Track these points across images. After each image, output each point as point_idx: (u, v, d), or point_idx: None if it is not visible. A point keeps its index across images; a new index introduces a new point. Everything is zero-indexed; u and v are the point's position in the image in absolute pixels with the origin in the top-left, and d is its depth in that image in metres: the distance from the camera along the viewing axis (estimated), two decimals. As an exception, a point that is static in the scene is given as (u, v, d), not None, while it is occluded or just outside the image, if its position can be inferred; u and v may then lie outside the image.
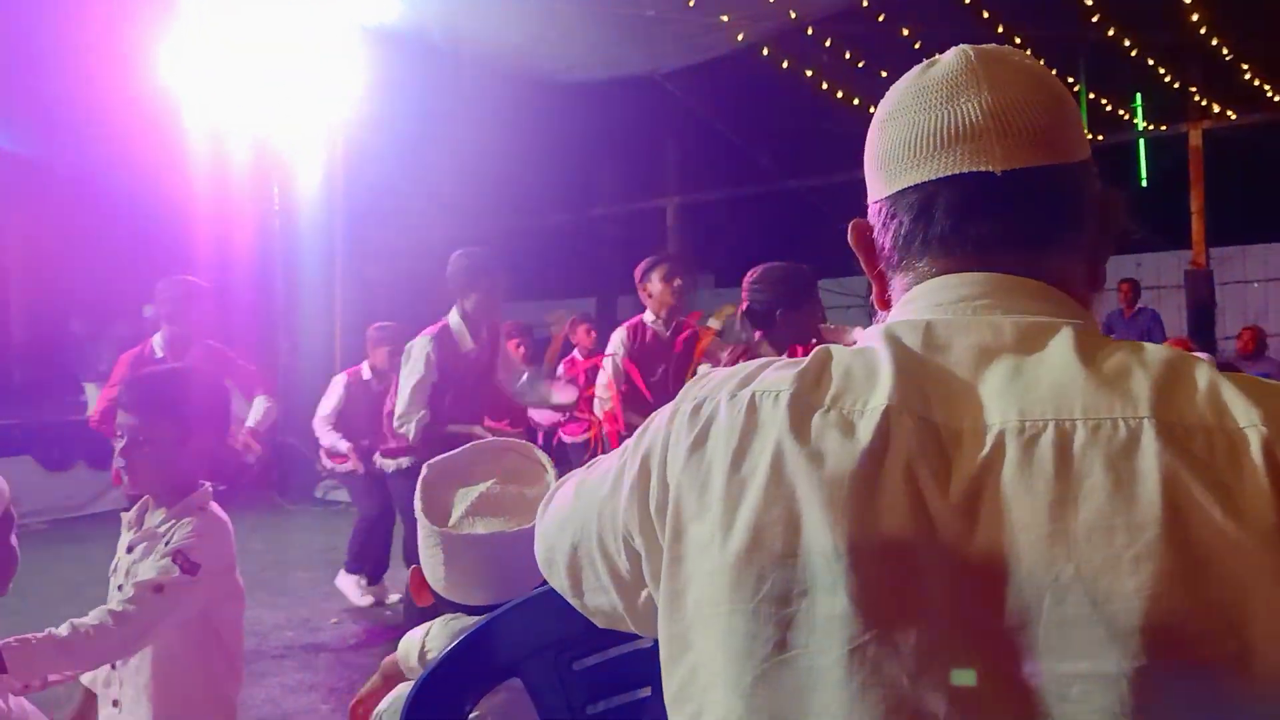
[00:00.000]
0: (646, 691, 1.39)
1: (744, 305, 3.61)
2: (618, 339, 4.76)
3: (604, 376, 4.68)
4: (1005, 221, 0.83)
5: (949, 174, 0.84)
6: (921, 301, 0.85)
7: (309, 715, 4.21)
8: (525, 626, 1.31)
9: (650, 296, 4.75)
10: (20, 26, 7.18)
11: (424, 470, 1.71)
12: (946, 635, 0.68)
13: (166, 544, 1.97)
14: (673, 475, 0.84)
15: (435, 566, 1.65)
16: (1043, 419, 0.71)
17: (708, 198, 14.61)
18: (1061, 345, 0.76)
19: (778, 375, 0.82)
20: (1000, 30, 9.13)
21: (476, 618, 1.61)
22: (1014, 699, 0.67)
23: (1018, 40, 9.63)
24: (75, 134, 8.91)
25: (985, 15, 8.90)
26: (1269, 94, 11.65)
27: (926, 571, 0.69)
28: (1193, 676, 0.65)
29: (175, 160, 8.35)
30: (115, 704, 2.03)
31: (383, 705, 1.63)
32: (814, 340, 3.45)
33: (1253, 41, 10.54)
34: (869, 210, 0.93)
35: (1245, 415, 0.69)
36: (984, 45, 0.90)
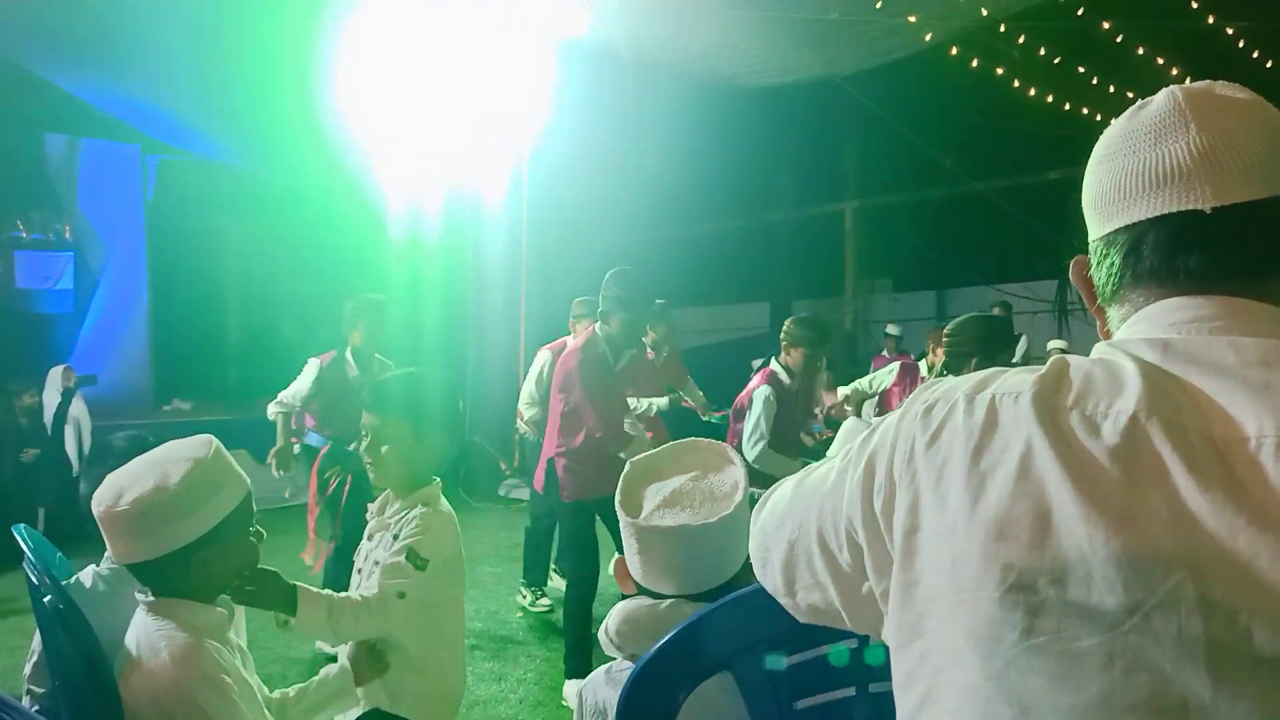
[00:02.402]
0: (850, 691, 1.42)
1: (942, 358, 3.95)
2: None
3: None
4: (1218, 255, 0.85)
5: (1157, 214, 0.87)
6: (1151, 322, 0.87)
7: (500, 704, 4.38)
8: (738, 622, 1.36)
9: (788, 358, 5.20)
10: (241, 46, 7.74)
11: (626, 466, 1.81)
12: (1210, 626, 0.70)
13: (395, 536, 2.15)
14: (901, 473, 0.87)
15: (632, 556, 1.75)
16: None
17: (887, 201, 14.33)
18: None
19: (1017, 379, 0.85)
20: (1210, 21, 8.60)
21: (659, 600, 1.70)
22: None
23: (1229, 31, 9.06)
24: (286, 149, 9.53)
25: (1194, 5, 8.40)
26: None
27: (1188, 564, 0.71)
28: None
29: (377, 171, 8.83)
30: None
31: (583, 683, 1.74)
32: None
33: None
34: (1089, 248, 0.96)
35: None
36: (1194, 85, 0.91)
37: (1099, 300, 0.96)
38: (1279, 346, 0.79)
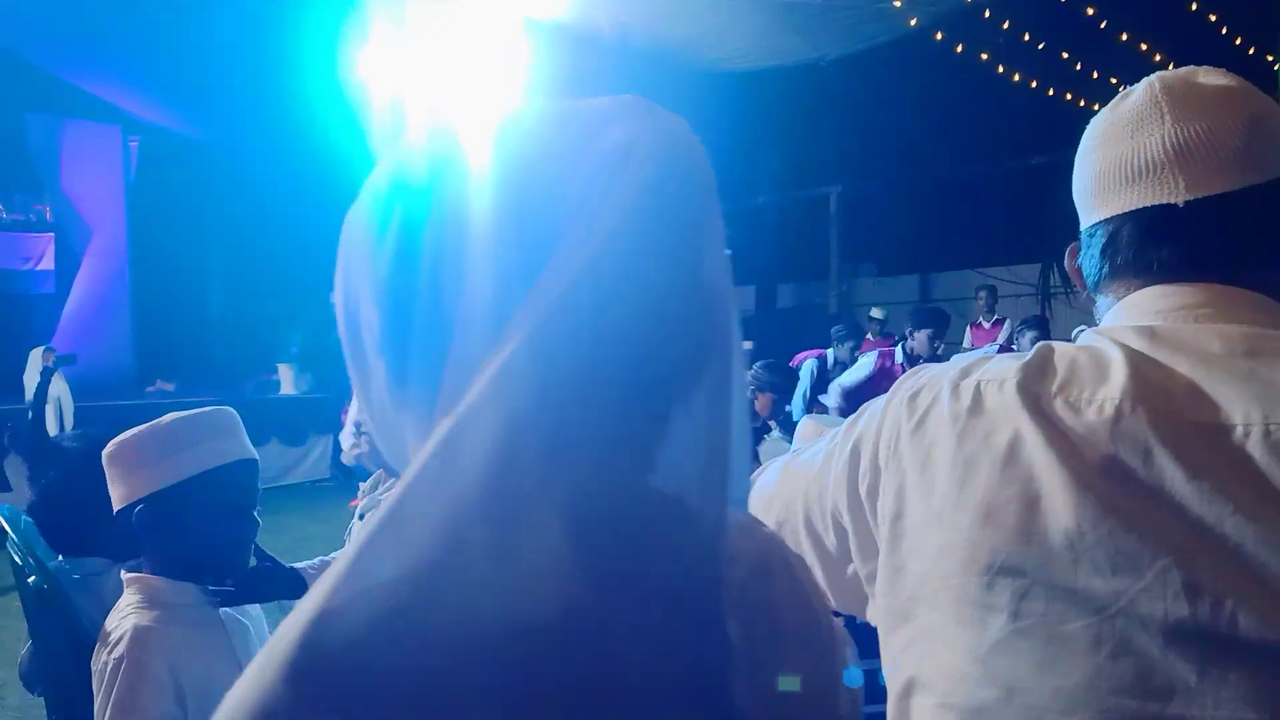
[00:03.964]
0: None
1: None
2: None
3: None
4: (1191, 246, 0.85)
5: (1133, 208, 0.87)
6: (1139, 309, 0.87)
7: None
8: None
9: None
10: (214, 24, 7.70)
11: None
12: (1196, 610, 0.71)
13: None
14: (886, 459, 0.88)
15: None
16: None
17: (872, 185, 14.35)
18: None
19: (1001, 366, 0.85)
20: (1194, 7, 8.64)
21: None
22: (1268, 674, 0.69)
23: (1212, 18, 9.10)
24: (268, 129, 9.49)
25: (1177, -8, 8.45)
26: None
27: (1175, 550, 0.72)
28: None
29: (360, 152, 8.81)
30: None
31: None
32: None
33: None
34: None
35: None
36: (1175, 71, 0.91)
37: (1087, 289, 0.97)
38: (1263, 334, 0.79)
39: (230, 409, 1.75)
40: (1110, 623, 0.73)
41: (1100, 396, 0.78)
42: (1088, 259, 0.94)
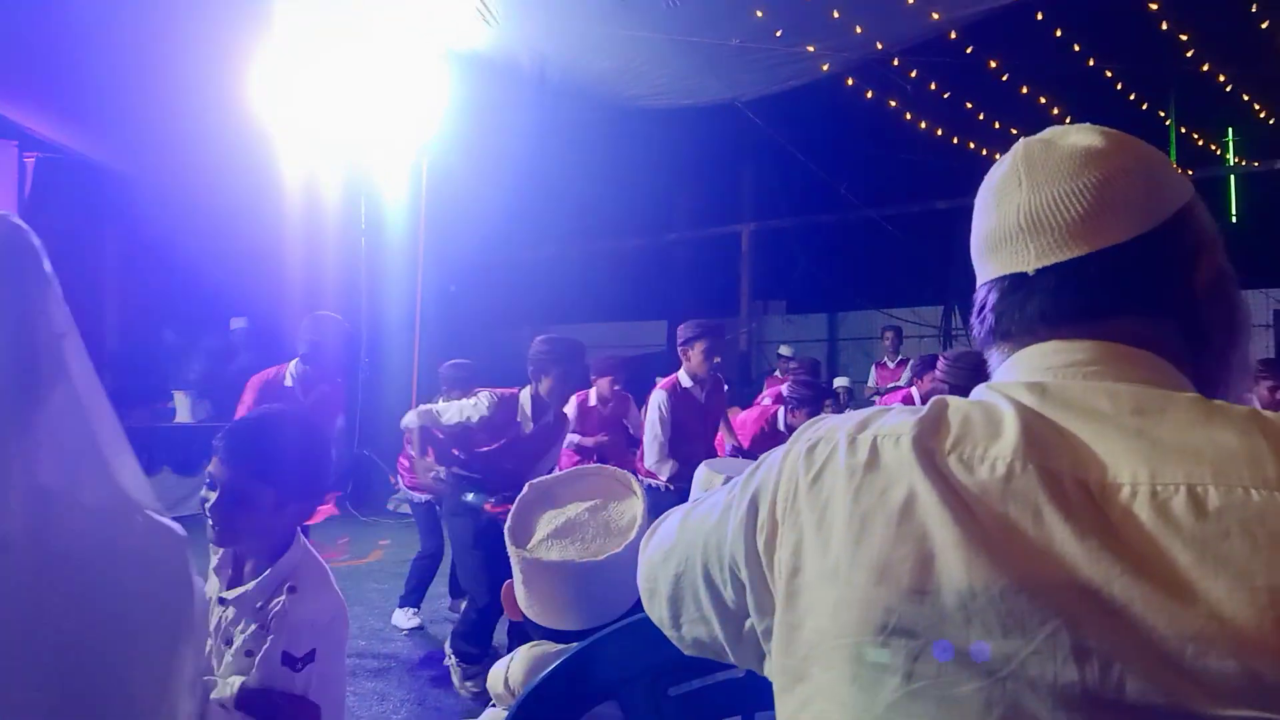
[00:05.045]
0: (737, 720, 1.42)
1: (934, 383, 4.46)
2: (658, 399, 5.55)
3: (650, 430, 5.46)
4: (1037, 313, 0.88)
5: (995, 276, 0.92)
6: (1030, 365, 0.88)
7: (383, 725, 4.29)
8: (625, 650, 1.35)
9: (689, 361, 5.58)
10: (119, 45, 7.47)
11: (524, 489, 1.73)
12: (1085, 674, 0.70)
13: (268, 619, 1.83)
14: (784, 513, 0.87)
15: (518, 587, 1.67)
16: (1174, 482, 0.72)
17: (784, 224, 14.58)
18: (1181, 412, 0.77)
19: (898, 420, 0.84)
20: (1090, 63, 9.02)
21: (559, 645, 1.64)
22: None
23: (1108, 74, 9.51)
24: (171, 150, 9.22)
25: (1075, 49, 8.80)
26: (1367, 131, 11.34)
27: (1063, 612, 0.71)
28: None
29: (266, 178, 8.61)
30: None
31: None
32: None
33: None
34: None
35: None
36: (1043, 133, 0.93)
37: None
38: (1150, 393, 0.79)
39: None
40: (1001, 685, 0.72)
41: (993, 454, 0.78)
42: (973, 318, 0.97)
